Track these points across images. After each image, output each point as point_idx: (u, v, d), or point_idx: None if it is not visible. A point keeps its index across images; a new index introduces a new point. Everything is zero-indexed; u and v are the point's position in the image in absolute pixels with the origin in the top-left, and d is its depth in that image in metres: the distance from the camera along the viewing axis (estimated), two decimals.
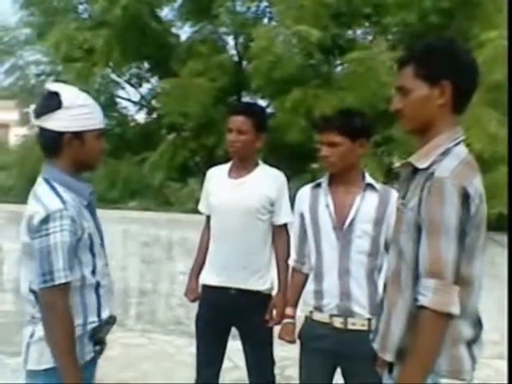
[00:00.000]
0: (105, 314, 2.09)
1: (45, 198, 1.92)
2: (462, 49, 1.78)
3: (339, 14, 6.03)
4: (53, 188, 1.95)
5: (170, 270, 4.97)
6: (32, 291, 1.95)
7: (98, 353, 2.11)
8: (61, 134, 1.94)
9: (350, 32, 6.73)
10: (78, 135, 1.97)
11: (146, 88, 8.08)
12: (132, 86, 8.01)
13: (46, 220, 1.86)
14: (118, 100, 7.96)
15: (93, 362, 2.09)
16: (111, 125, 7.76)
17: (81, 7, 7.81)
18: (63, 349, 1.89)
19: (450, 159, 1.67)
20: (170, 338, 4.86)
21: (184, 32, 7.59)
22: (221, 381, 3.01)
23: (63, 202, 1.91)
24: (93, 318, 2.04)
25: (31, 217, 1.89)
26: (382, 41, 5.68)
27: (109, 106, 7.59)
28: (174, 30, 7.43)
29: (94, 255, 2.04)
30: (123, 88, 7.87)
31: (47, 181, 1.97)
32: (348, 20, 6.35)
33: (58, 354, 1.90)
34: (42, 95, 2.01)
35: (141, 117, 8.29)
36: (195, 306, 3.03)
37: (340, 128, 2.45)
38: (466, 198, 1.60)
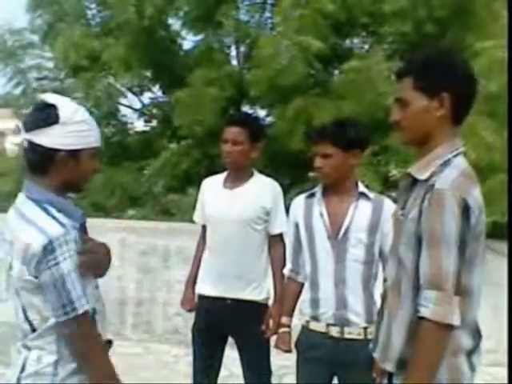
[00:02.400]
0: (103, 340, 1.92)
1: (41, 222, 1.72)
2: (460, 60, 1.80)
3: (338, 23, 6.08)
4: (45, 210, 1.76)
5: (167, 278, 4.97)
6: (28, 320, 1.78)
7: None
8: (54, 151, 1.75)
9: (347, 41, 6.78)
10: (73, 153, 1.78)
11: (146, 97, 8.11)
12: (134, 93, 8.03)
13: (50, 248, 1.67)
14: (119, 108, 7.99)
15: None
16: (111, 133, 7.79)
17: (89, 12, 7.80)
18: (107, 373, 1.78)
19: (449, 170, 1.68)
20: (167, 348, 4.86)
21: (187, 41, 7.61)
22: None
23: (62, 225, 1.72)
24: None
25: (28, 246, 1.68)
26: (379, 50, 5.72)
27: (110, 114, 7.62)
28: (178, 38, 7.47)
29: (84, 280, 1.88)
30: (125, 96, 7.88)
31: (37, 203, 1.78)
32: (346, 29, 6.40)
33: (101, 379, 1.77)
34: (35, 106, 1.82)
35: (140, 125, 8.31)
36: (192, 316, 3.04)
37: (333, 139, 2.47)
38: (466, 209, 1.61)
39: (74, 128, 1.77)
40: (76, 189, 1.91)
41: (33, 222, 1.72)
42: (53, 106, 1.76)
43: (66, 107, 1.78)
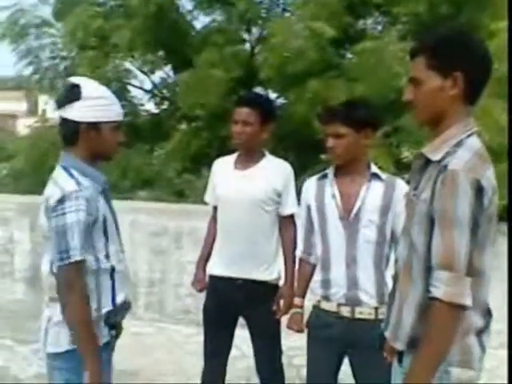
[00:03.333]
0: (119, 299, 2.13)
1: (61, 181, 2.00)
2: (473, 39, 1.77)
3: (351, 3, 6.01)
4: (69, 173, 2.03)
5: (178, 259, 5.00)
6: (52, 273, 2.00)
7: (115, 337, 2.16)
8: (78, 123, 2.03)
9: (361, 22, 6.71)
10: (94, 125, 2.05)
11: (158, 76, 8.08)
12: (144, 73, 8.00)
13: (61, 200, 1.94)
14: (129, 88, 7.97)
15: (108, 345, 2.13)
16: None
17: None
18: (82, 327, 1.95)
19: (463, 151, 1.67)
20: (178, 328, 4.89)
21: (199, 21, 7.57)
22: (229, 370, 3.04)
23: (78, 183, 1.99)
24: (107, 303, 2.08)
25: (48, 198, 1.98)
26: (392, 31, 5.66)
27: (120, 94, 7.61)
28: (189, 18, 7.43)
29: (107, 239, 2.09)
30: (135, 77, 7.86)
31: (64, 167, 2.05)
32: (360, 10, 6.33)
33: (77, 333, 1.96)
34: (64, 86, 2.11)
35: (152, 106, 8.29)
36: (203, 296, 3.06)
37: (344, 119, 2.46)
38: (479, 190, 1.60)
39: (94, 103, 2.04)
40: (104, 158, 2.17)
41: (56, 181, 2.02)
42: (76, 86, 2.03)
43: (88, 86, 2.06)
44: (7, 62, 8.09)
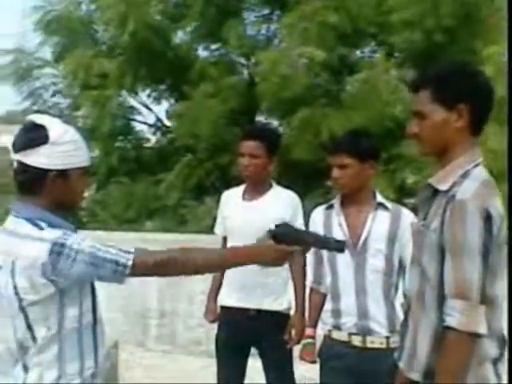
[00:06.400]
0: (101, 358, 1.88)
1: (36, 234, 1.71)
2: (475, 71, 1.83)
3: (345, 34, 6.15)
4: (37, 225, 1.74)
5: (188, 290, 5.04)
6: (33, 336, 1.75)
7: None
8: (44, 170, 1.75)
9: (357, 52, 6.85)
10: (62, 173, 1.78)
11: (161, 110, 8.27)
12: (147, 108, 8.18)
13: (59, 247, 1.67)
14: (133, 123, 8.14)
15: None
16: (127, 148, 7.92)
17: (98, 33, 8.03)
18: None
19: (470, 181, 1.69)
20: (190, 359, 4.89)
21: (197, 55, 7.77)
22: None
23: (58, 229, 1.73)
24: (89, 364, 1.82)
25: (35, 259, 1.67)
26: (388, 60, 5.79)
27: (125, 129, 7.76)
28: (186, 53, 7.61)
29: (93, 288, 1.86)
30: (139, 112, 8.03)
31: (28, 220, 1.75)
32: (354, 40, 6.47)
33: None
34: (24, 127, 1.80)
35: (156, 138, 8.45)
36: (214, 327, 3.09)
37: (349, 150, 2.52)
38: (488, 219, 1.63)
39: (63, 148, 1.77)
40: (69, 207, 1.90)
41: (29, 236, 1.71)
42: (42, 127, 1.76)
43: (55, 128, 1.78)
44: (12, 98, 8.27)
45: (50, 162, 1.75)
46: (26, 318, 1.74)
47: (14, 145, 1.77)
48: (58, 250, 1.66)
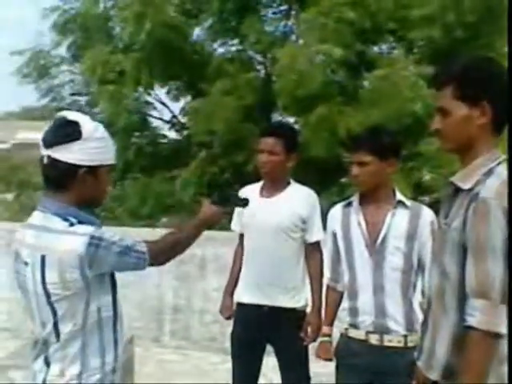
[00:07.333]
0: (120, 353, 1.90)
1: (70, 229, 1.74)
2: (498, 68, 1.80)
3: (363, 30, 6.11)
4: (68, 220, 1.76)
5: (203, 287, 5.04)
6: (57, 331, 1.77)
7: None
8: (76, 166, 1.77)
9: (375, 48, 6.80)
10: (92, 169, 1.80)
11: (177, 107, 8.31)
12: (164, 105, 8.21)
13: (96, 240, 1.72)
14: (150, 119, 8.17)
15: None
16: (143, 143, 7.95)
17: (115, 31, 8.09)
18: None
19: (493, 179, 1.68)
20: (204, 355, 4.90)
21: (214, 52, 7.80)
22: None
23: (90, 224, 1.78)
24: (110, 358, 1.85)
25: (69, 252, 1.70)
26: (407, 56, 5.73)
27: (141, 125, 7.79)
28: (203, 50, 7.62)
29: (114, 283, 1.89)
30: (155, 108, 8.07)
31: (58, 215, 1.77)
32: (372, 36, 6.42)
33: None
34: (56, 123, 1.82)
35: (172, 134, 8.48)
36: (229, 323, 3.09)
37: (369, 147, 2.50)
38: (508, 218, 1.61)
39: (95, 144, 1.80)
40: (95, 203, 1.92)
41: (61, 231, 1.74)
42: (75, 123, 1.78)
43: (87, 124, 1.80)
44: (31, 94, 8.42)
45: (82, 158, 1.77)
46: (54, 313, 1.76)
47: (44, 140, 1.78)
48: (96, 243, 1.71)
